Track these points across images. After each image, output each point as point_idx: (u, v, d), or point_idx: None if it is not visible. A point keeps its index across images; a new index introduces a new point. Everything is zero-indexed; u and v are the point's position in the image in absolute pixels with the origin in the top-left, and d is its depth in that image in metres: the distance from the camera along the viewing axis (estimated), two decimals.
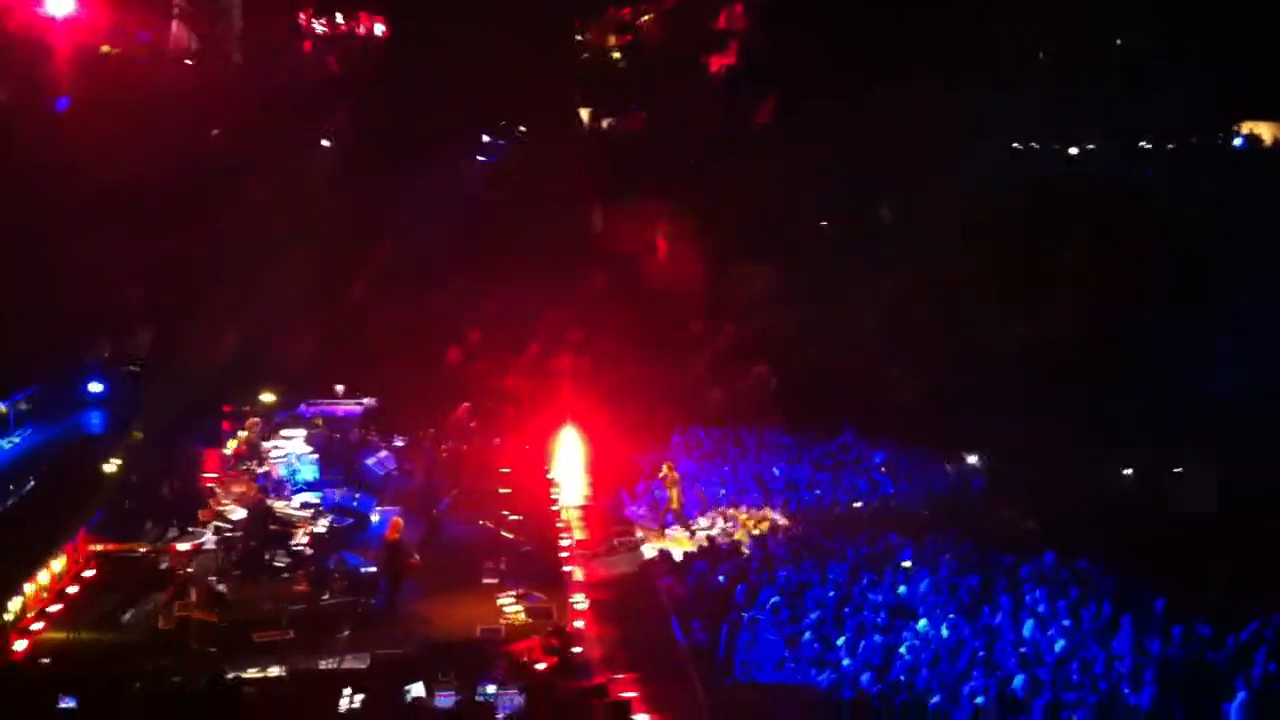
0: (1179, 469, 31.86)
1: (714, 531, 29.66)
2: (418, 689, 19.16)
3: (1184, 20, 45.09)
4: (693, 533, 29.83)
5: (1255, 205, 42.39)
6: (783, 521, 29.92)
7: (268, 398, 32.18)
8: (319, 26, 52.54)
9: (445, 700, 18.89)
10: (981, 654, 20.74)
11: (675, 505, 30.35)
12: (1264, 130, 50.17)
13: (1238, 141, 50.68)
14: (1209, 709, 18.71)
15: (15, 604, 22.10)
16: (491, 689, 19.72)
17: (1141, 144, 51.06)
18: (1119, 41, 48.81)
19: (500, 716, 18.81)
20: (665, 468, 31.08)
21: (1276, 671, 19.78)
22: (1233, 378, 35.89)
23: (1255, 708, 18.72)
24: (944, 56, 44.78)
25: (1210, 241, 40.47)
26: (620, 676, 21.57)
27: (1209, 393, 35.12)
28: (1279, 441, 31.95)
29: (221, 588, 23.10)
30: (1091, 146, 51.65)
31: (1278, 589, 22.76)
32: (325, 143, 47.01)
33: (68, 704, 18.21)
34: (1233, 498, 28.86)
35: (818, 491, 31.82)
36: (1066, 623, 21.73)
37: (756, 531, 29.40)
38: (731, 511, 30.72)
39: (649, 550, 28.35)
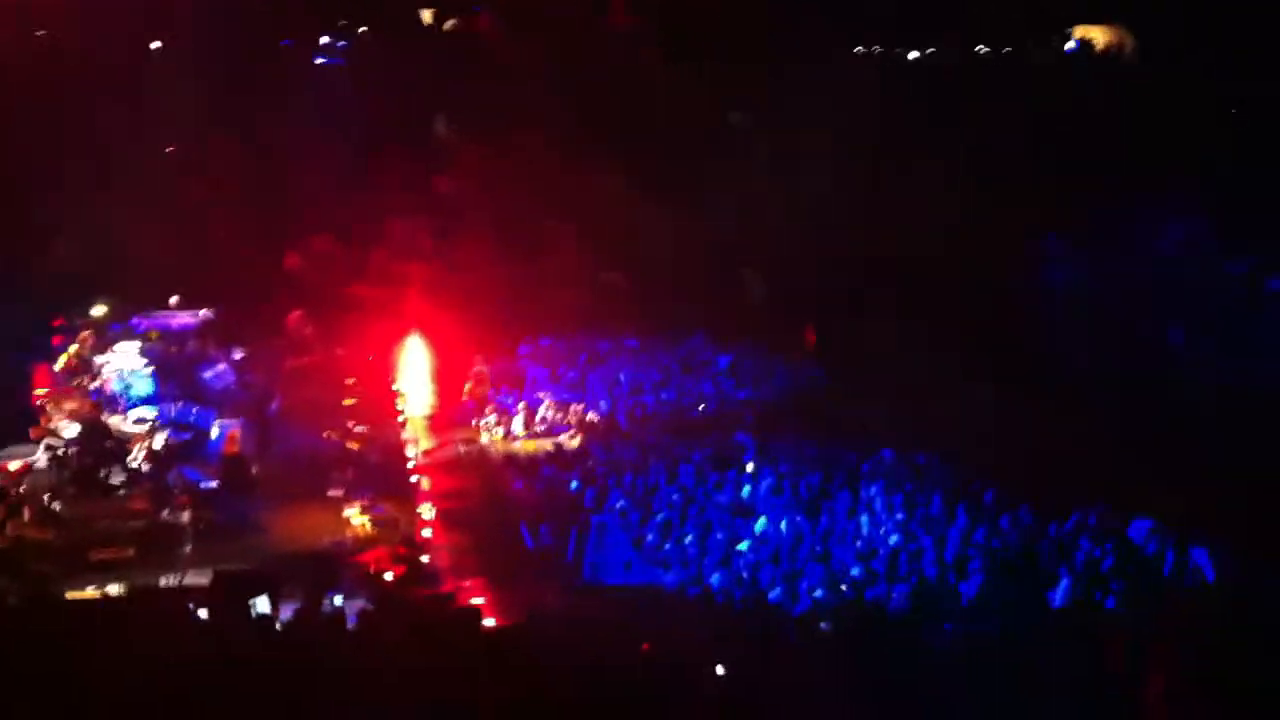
0: None
1: (540, 429, 29.71)
2: (263, 603, 19.00)
3: None
4: (520, 435, 29.83)
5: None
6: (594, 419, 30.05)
7: (100, 310, 31.09)
8: None
9: (295, 612, 18.82)
10: (819, 549, 21.38)
11: (481, 401, 30.68)
12: (1096, 34, 51.39)
13: (1070, 45, 51.88)
14: (1032, 595, 19.59)
15: None
16: (339, 599, 19.73)
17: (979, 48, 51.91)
18: None
19: (349, 626, 18.79)
20: (477, 365, 31.29)
21: (1098, 559, 20.79)
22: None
23: (1076, 594, 19.68)
24: None
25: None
26: (469, 583, 21.76)
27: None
28: None
29: (56, 506, 22.53)
30: (932, 50, 52.35)
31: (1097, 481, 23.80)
32: (156, 44, 45.13)
33: None
34: None
35: (664, 395, 32.11)
36: (900, 516, 22.45)
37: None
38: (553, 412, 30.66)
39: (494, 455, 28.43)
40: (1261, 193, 36.79)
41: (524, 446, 29.22)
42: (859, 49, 51.83)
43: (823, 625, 12.54)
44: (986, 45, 51.48)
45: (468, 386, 31.29)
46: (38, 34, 43.93)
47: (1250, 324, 34.06)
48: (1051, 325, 34.32)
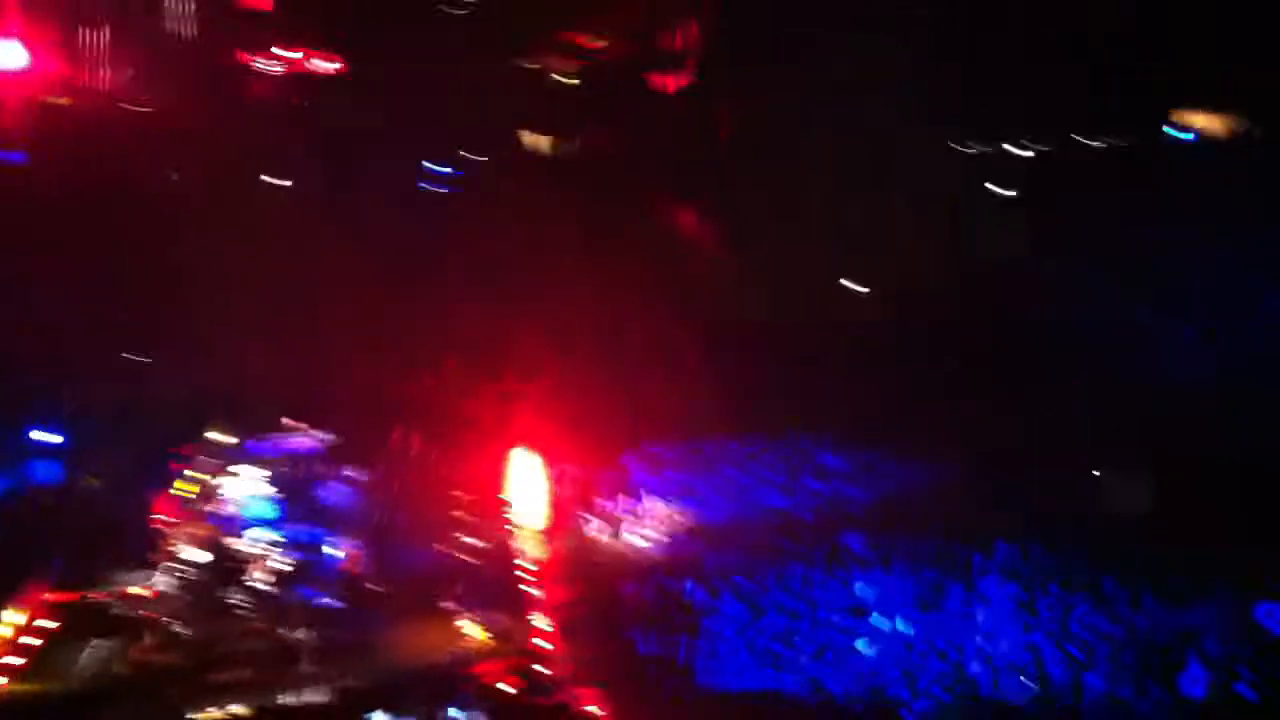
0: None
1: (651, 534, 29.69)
2: (381, 718, 19.13)
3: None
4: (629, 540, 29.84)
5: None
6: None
7: (217, 436, 31.93)
8: (273, 65, 52.26)
9: None
10: (939, 645, 20.92)
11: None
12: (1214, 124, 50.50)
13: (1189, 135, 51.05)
14: (1162, 682, 18.91)
15: None
16: (456, 713, 19.77)
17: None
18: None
19: None
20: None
21: (1227, 643, 20.03)
22: None
23: (1213, 681, 18.96)
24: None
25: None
26: (585, 692, 21.64)
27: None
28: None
29: (177, 629, 22.95)
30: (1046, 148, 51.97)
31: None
32: (286, 182, 46.79)
33: None
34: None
35: (774, 497, 31.88)
36: (1017, 608, 21.90)
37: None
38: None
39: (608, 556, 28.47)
40: None
41: (634, 551, 29.16)
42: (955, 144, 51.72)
43: None
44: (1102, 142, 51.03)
45: (547, 482, 31.62)
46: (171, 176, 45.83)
47: None
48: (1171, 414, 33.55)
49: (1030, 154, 50.31)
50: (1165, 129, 49.17)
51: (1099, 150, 49.07)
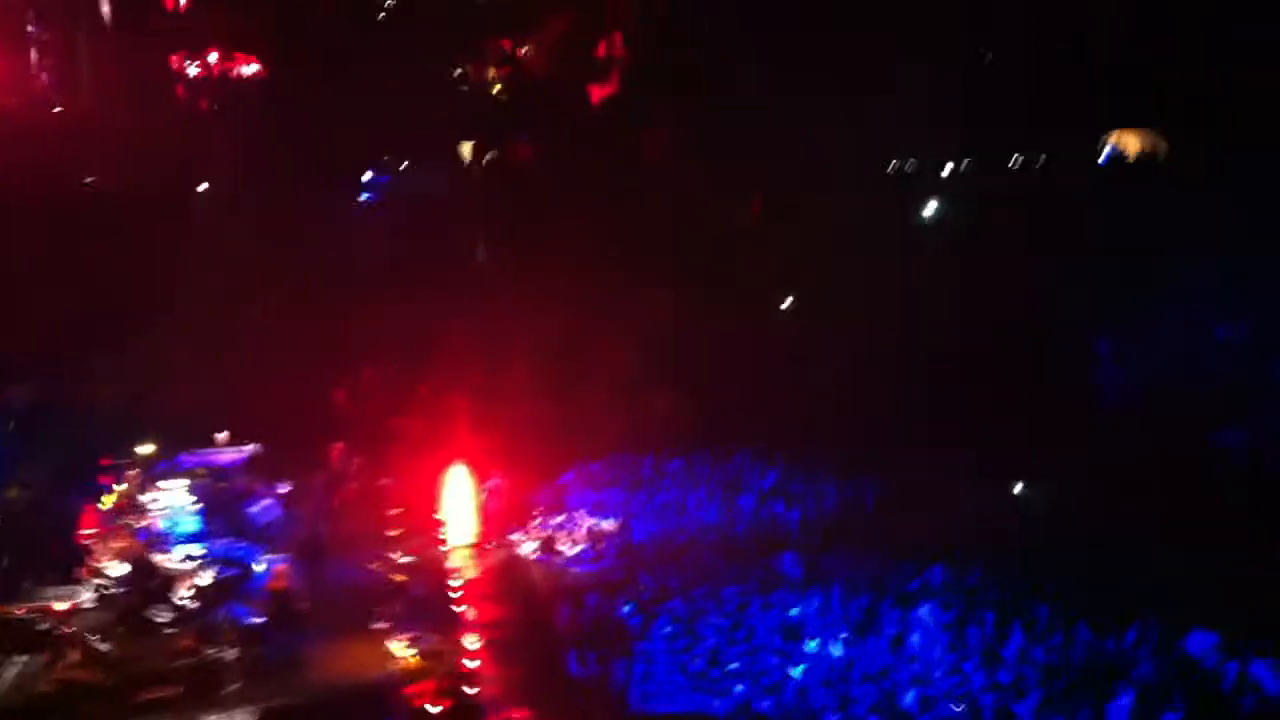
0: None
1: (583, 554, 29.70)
2: None
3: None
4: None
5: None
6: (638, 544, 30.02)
7: (146, 449, 31.39)
8: (193, 69, 51.92)
9: None
10: (872, 670, 20.97)
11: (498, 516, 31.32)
12: (1129, 142, 51.47)
13: (1104, 155, 51.93)
14: (1091, 711, 19.05)
15: None
16: None
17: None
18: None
19: None
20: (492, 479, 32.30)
21: (1158, 672, 20.24)
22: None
23: (1139, 712, 19.12)
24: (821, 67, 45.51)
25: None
26: (516, 715, 21.48)
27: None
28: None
29: (104, 646, 22.52)
30: (967, 160, 52.63)
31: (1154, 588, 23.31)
32: (203, 186, 46.33)
33: None
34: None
35: (710, 516, 31.87)
36: (952, 635, 21.99)
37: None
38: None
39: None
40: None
41: (568, 571, 29.07)
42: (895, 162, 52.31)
43: None
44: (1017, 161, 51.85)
45: (481, 499, 31.51)
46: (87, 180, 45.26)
47: None
48: (1106, 431, 33.99)
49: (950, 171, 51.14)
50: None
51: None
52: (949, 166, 51.97)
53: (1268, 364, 34.67)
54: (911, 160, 51.37)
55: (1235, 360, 35.59)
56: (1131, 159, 49.78)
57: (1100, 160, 48.20)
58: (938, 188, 50.75)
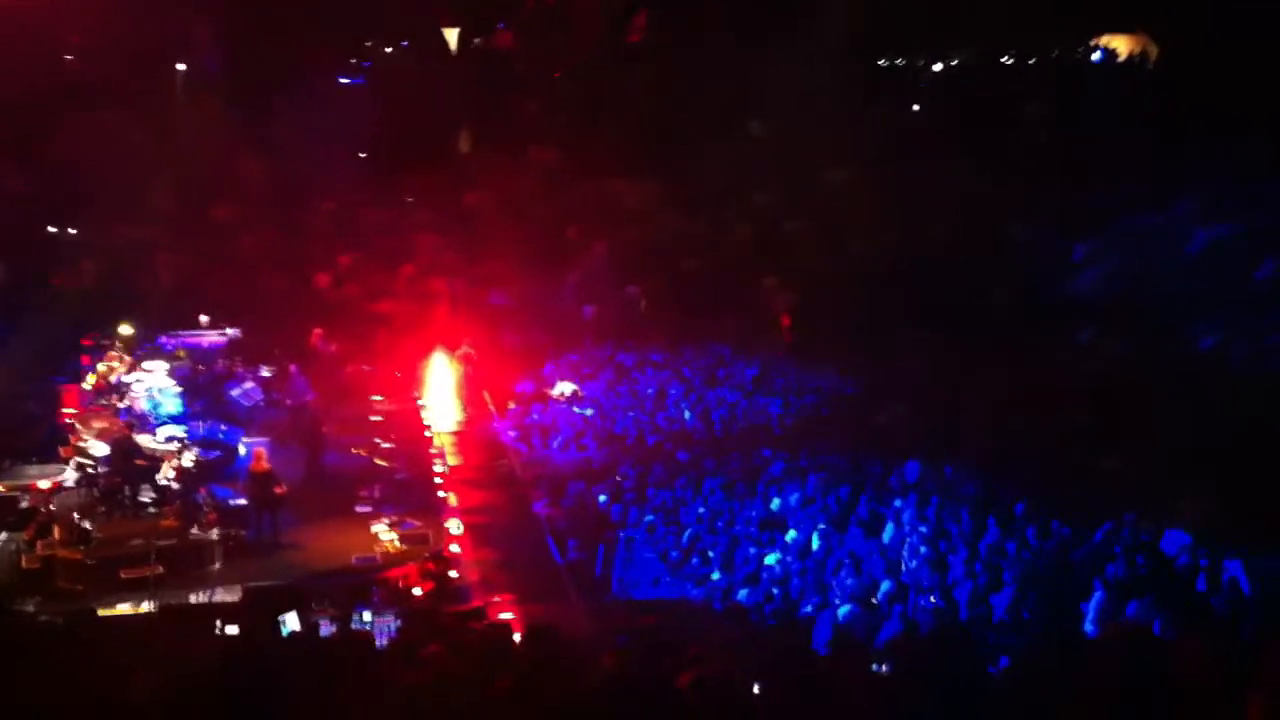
0: None
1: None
2: (292, 619, 18.97)
3: None
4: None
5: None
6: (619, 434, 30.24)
7: (127, 330, 31.25)
8: None
9: (324, 629, 18.80)
10: (848, 563, 21.26)
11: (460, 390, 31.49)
12: (1119, 44, 51.20)
13: (1096, 55, 51.68)
14: (1066, 608, 19.37)
15: None
16: (368, 615, 19.76)
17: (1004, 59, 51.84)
18: None
19: (378, 643, 18.75)
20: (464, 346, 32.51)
21: (1129, 570, 20.55)
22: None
23: (1111, 606, 19.43)
24: None
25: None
26: (498, 599, 21.76)
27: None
28: None
29: (86, 525, 22.60)
30: (955, 62, 52.35)
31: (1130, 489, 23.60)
32: (180, 66, 45.43)
33: None
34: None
35: (689, 409, 32.07)
36: (927, 529, 22.28)
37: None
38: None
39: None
40: None
41: (550, 460, 29.27)
42: (882, 61, 51.88)
43: (880, 666, 12.23)
44: (1011, 57, 51.45)
45: (458, 370, 31.67)
46: (66, 57, 44.38)
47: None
48: (1077, 330, 34.19)
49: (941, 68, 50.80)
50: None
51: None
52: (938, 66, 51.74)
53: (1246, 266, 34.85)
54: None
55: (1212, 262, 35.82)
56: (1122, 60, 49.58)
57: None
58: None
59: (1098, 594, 19.37)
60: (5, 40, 36.74)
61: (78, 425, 26.65)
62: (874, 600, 19.98)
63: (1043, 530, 21.97)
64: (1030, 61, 51.17)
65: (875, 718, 10.76)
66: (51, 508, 23.61)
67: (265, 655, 16.75)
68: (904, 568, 21.13)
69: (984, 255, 38.22)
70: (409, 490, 25.76)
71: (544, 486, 27.18)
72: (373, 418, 30.20)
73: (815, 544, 22.29)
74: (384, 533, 23.44)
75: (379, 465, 26.97)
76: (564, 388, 33.12)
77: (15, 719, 10.84)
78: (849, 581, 20.49)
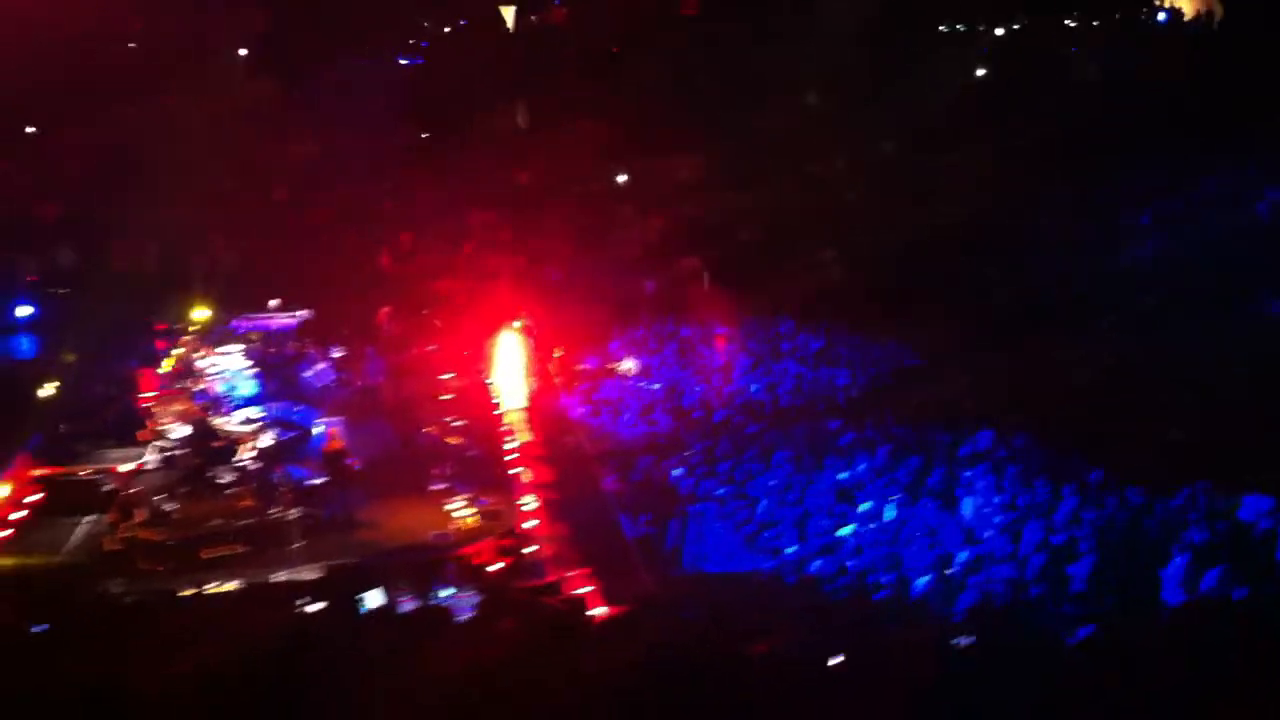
0: None
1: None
2: (374, 597, 19.21)
3: None
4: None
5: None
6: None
7: (201, 314, 31.70)
8: None
9: (405, 606, 19.00)
10: (923, 532, 21.22)
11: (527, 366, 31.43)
12: (1185, 4, 50.35)
13: (1161, 16, 50.83)
14: (1145, 575, 19.22)
15: None
16: (447, 593, 19.95)
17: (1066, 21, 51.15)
18: None
19: (458, 620, 18.96)
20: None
21: (1209, 537, 20.34)
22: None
23: (1191, 572, 19.24)
24: None
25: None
26: (572, 574, 21.87)
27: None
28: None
29: (167, 506, 22.97)
30: (1017, 26, 51.76)
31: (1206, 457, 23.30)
32: (242, 51, 45.87)
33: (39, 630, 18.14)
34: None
35: (756, 382, 32.05)
36: (998, 499, 22.17)
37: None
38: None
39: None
40: None
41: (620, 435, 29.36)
42: (942, 27, 51.40)
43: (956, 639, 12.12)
44: (1075, 20, 50.78)
45: (529, 363, 31.86)
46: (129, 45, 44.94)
47: None
48: (1145, 299, 33.78)
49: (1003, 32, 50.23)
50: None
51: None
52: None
53: None
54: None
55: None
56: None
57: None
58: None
59: (1177, 560, 19.22)
60: (68, 26, 37.28)
61: (155, 409, 27.08)
62: (949, 572, 19.95)
63: (1119, 499, 21.79)
64: (1094, 24, 50.43)
65: (951, 690, 10.70)
66: (132, 490, 24.01)
67: (345, 631, 17.17)
68: (979, 539, 21.07)
69: (1049, 223, 37.80)
70: (481, 467, 25.89)
71: (613, 462, 27.28)
72: (442, 396, 30.39)
73: (889, 515, 22.27)
74: (458, 510, 23.60)
75: (450, 443, 27.14)
76: (629, 363, 33.19)
77: (101, 696, 11.11)
78: (924, 553, 20.47)
